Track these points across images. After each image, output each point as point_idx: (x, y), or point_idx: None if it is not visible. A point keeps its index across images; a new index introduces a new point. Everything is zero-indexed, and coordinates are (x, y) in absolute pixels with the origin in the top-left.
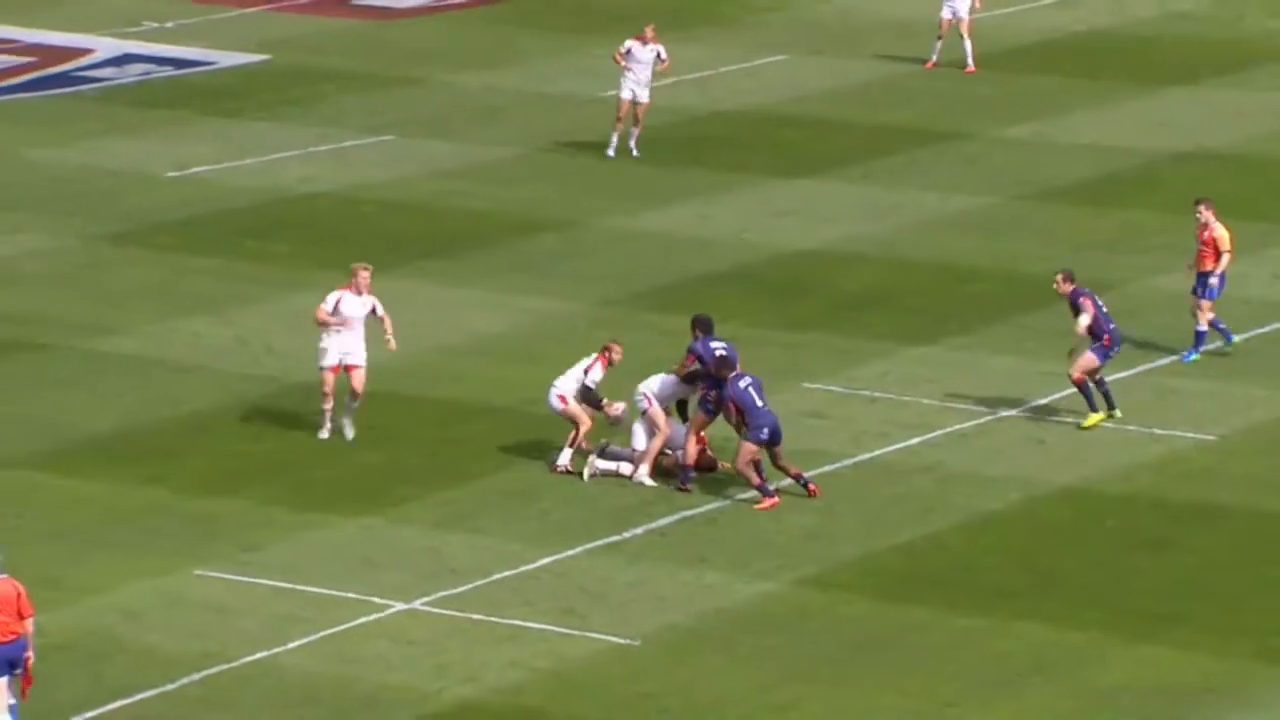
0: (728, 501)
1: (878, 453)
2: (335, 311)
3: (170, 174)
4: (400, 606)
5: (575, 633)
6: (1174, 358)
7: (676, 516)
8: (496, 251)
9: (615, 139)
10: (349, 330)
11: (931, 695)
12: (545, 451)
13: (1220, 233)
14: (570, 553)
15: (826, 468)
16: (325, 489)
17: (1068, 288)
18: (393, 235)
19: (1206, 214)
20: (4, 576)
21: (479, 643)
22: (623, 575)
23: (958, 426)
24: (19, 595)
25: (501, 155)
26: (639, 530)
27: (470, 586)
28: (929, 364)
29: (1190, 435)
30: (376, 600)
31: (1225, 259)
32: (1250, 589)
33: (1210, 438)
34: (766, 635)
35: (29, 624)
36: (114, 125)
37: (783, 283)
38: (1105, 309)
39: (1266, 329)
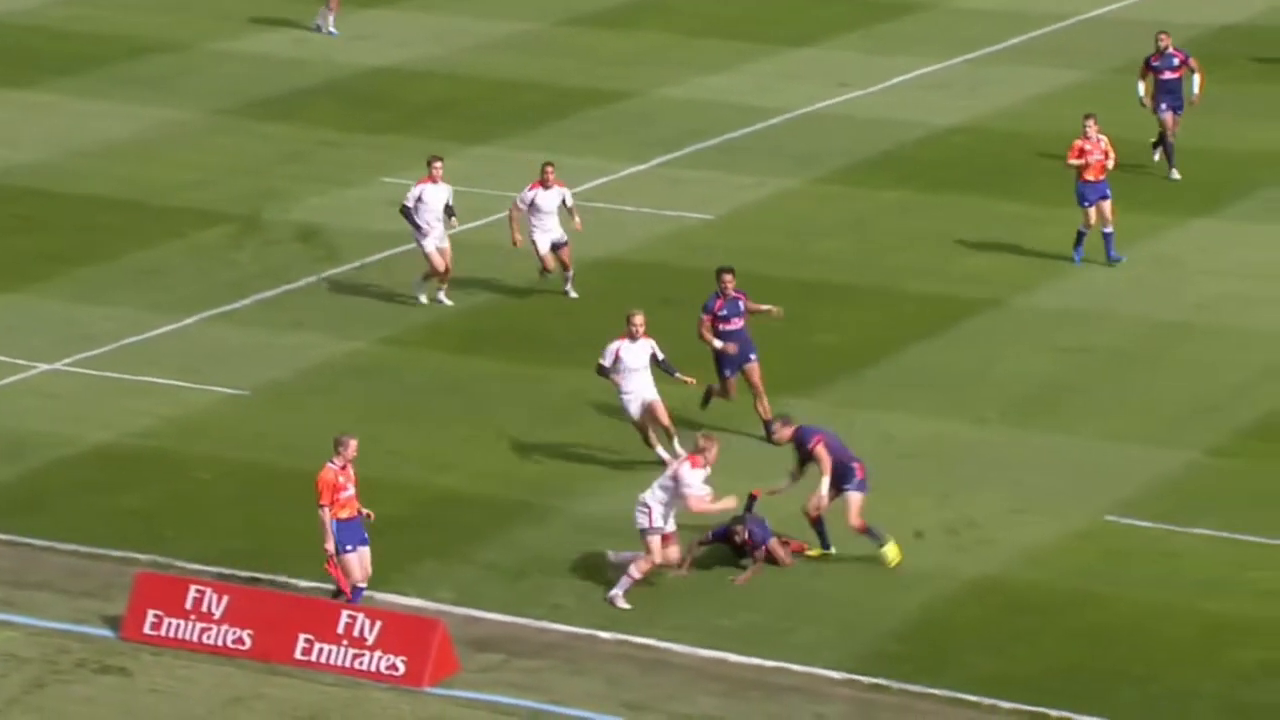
0: (317, 277)
1: None
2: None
3: None
4: (44, 367)
5: (195, 386)
6: (674, 154)
7: (280, 289)
8: (119, 68)
9: None
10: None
11: (496, 429)
12: (176, 234)
13: None
14: (190, 320)
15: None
16: None
17: (787, 432)
18: (29, 55)
19: None
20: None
21: (113, 396)
22: (235, 338)
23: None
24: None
25: None
26: (249, 300)
27: (105, 349)
28: (489, 161)
29: (695, 215)
30: (23, 362)
31: None
32: None
33: (710, 217)
34: (357, 383)
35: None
36: None
37: (366, 95)
38: (835, 435)
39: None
